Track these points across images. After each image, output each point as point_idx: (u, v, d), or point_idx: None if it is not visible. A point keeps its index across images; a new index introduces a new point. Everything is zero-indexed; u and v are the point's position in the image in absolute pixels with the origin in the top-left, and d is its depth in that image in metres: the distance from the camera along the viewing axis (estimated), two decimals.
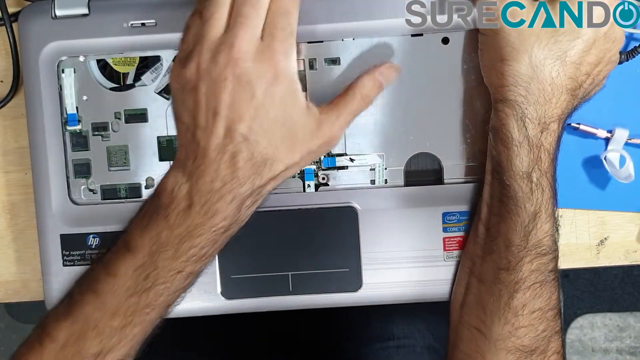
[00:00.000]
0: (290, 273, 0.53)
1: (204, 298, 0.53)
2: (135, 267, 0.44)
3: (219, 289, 0.53)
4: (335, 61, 0.51)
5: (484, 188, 0.49)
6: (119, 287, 0.44)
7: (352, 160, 0.52)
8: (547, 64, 0.45)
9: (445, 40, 0.51)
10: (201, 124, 0.43)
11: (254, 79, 0.42)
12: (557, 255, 0.48)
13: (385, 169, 0.52)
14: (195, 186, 0.43)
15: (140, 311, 0.45)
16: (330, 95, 0.51)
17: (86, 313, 0.45)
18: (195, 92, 0.43)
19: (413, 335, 0.71)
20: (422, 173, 0.53)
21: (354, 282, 0.53)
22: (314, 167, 0.53)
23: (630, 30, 0.53)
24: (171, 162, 0.52)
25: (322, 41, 0.51)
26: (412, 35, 0.51)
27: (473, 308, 0.50)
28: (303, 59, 0.51)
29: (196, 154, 0.43)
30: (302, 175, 0.53)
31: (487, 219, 0.49)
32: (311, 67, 0.51)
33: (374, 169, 0.52)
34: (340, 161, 0.52)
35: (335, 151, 0.52)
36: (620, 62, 0.52)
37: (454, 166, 0.52)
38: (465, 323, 0.50)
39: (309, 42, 0.51)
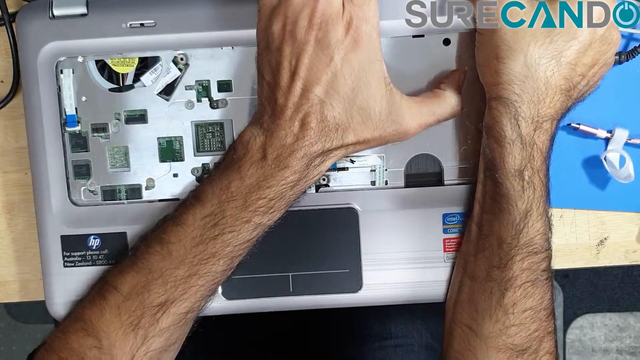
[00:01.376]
0: (290, 274, 0.53)
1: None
2: (203, 216, 0.46)
3: (220, 290, 0.53)
4: None
5: (477, 186, 0.50)
6: (185, 235, 0.46)
7: (352, 161, 0.52)
8: (542, 64, 0.45)
9: (447, 42, 0.51)
10: (281, 83, 0.44)
11: (333, 43, 0.43)
12: (550, 255, 0.48)
13: (386, 170, 0.52)
14: (269, 140, 0.45)
15: (206, 260, 0.46)
16: None
17: (152, 262, 0.46)
18: (279, 53, 0.44)
19: (411, 334, 0.71)
20: (423, 174, 0.53)
21: (355, 283, 0.52)
22: None
23: (630, 30, 0.53)
24: (171, 163, 0.52)
25: None
26: (413, 37, 0.51)
27: (465, 306, 0.50)
28: None
29: (274, 111, 0.45)
30: None
31: (479, 217, 0.49)
32: None
33: (375, 170, 0.52)
34: (340, 162, 0.52)
35: None
36: (620, 62, 0.52)
37: (454, 167, 0.52)
38: (458, 321, 0.50)
39: None
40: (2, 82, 0.56)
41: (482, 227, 0.49)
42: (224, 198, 0.46)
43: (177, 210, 0.48)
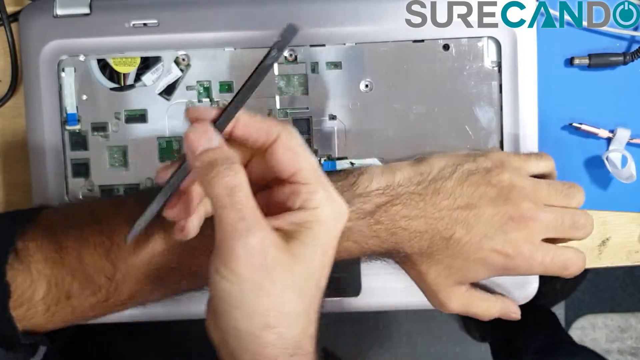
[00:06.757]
0: None
1: (201, 301, 0.52)
2: None
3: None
4: (337, 65, 0.51)
5: None
6: None
7: (352, 164, 0.52)
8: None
9: (446, 47, 0.51)
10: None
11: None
12: None
13: None
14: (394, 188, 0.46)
15: None
16: (330, 99, 0.51)
17: None
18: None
19: None
20: None
21: (353, 287, 0.52)
22: None
23: (633, 32, 0.53)
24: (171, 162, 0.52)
25: (324, 45, 0.51)
26: (414, 42, 0.51)
27: None
28: (305, 62, 0.51)
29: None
30: None
31: None
32: (313, 70, 0.51)
33: None
34: (340, 165, 0.52)
35: (335, 155, 0.52)
36: (625, 63, 0.52)
37: None
38: None
39: (311, 46, 0.51)
40: (0, 81, 0.56)
41: None
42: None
43: None
